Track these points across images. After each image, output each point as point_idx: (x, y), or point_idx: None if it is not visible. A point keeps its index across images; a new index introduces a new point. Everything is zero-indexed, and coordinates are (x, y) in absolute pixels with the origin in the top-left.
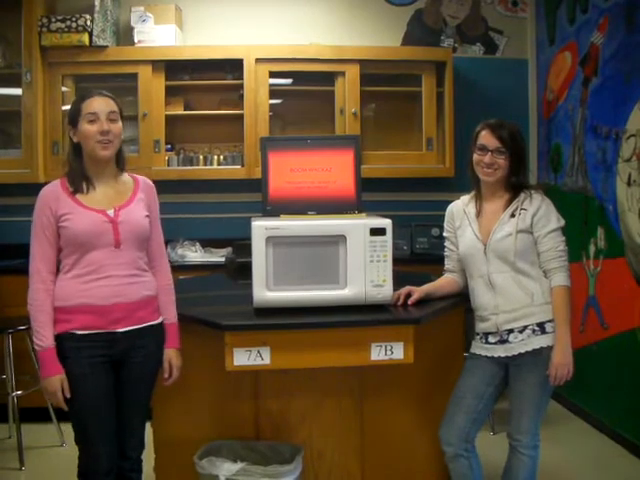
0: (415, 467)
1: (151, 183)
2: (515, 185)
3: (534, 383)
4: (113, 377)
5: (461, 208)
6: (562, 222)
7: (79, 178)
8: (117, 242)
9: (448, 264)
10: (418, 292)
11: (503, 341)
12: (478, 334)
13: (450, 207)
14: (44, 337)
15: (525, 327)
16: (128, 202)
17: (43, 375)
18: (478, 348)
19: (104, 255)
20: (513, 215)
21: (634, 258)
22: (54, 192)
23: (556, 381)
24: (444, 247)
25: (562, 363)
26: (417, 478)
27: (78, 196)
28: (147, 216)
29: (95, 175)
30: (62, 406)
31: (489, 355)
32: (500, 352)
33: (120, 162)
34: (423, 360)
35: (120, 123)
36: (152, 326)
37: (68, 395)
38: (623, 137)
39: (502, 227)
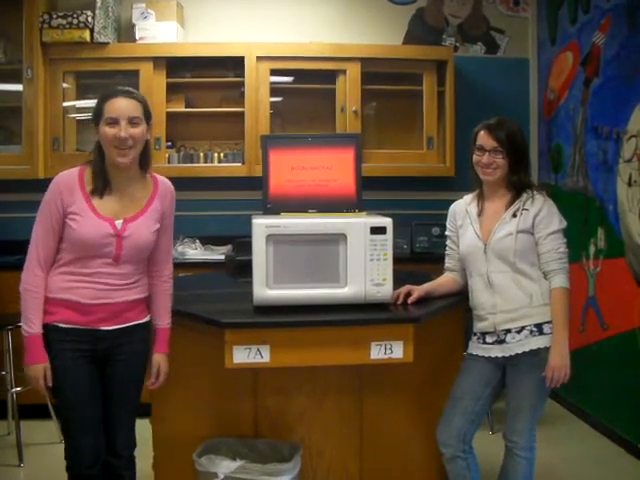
0: (413, 466)
1: (171, 187)
2: (516, 184)
3: (531, 384)
4: (97, 372)
5: (463, 207)
6: (564, 224)
7: (99, 178)
8: (117, 257)
9: (449, 263)
10: (418, 291)
11: (500, 341)
12: (475, 334)
13: (453, 206)
14: (33, 324)
15: (523, 328)
16: (140, 213)
17: (27, 362)
18: (475, 348)
19: (101, 265)
20: (515, 215)
21: (634, 259)
22: (70, 183)
23: (552, 383)
24: (446, 245)
25: (559, 366)
26: (415, 477)
27: (92, 197)
28: (157, 230)
29: (115, 176)
30: (44, 394)
31: (486, 355)
32: (497, 352)
33: (144, 163)
34: (423, 359)
35: (142, 126)
36: (138, 325)
37: (50, 384)
38: (624, 138)
39: (503, 227)
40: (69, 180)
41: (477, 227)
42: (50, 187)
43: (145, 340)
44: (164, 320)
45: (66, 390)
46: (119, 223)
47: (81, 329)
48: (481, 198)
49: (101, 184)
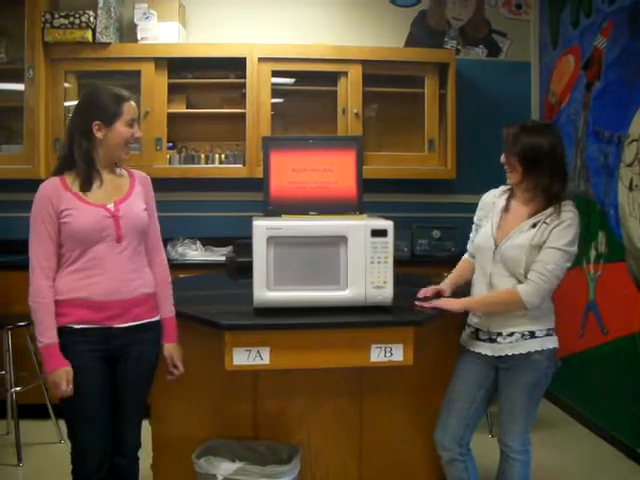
0: (413, 468)
1: (147, 176)
2: (546, 192)
3: (523, 387)
4: (109, 373)
5: (491, 199)
6: (571, 249)
7: (94, 175)
8: (119, 237)
9: (470, 249)
10: (447, 291)
11: (492, 340)
12: (469, 326)
13: (485, 195)
14: (49, 332)
15: (513, 332)
16: (127, 196)
17: (50, 369)
18: (468, 343)
19: (106, 250)
20: (534, 226)
21: (635, 263)
22: (54, 188)
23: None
24: (471, 230)
25: (451, 304)
26: (414, 478)
27: (78, 191)
28: (145, 209)
29: (102, 172)
30: (66, 395)
31: (477, 351)
32: (487, 351)
33: None
34: (422, 361)
35: None
36: (150, 323)
37: (71, 387)
38: (625, 142)
39: (518, 235)
40: (53, 186)
41: (495, 225)
42: (36, 198)
43: (156, 340)
44: (167, 309)
45: (78, 393)
46: (111, 206)
47: (94, 328)
48: (512, 194)
49: (97, 179)
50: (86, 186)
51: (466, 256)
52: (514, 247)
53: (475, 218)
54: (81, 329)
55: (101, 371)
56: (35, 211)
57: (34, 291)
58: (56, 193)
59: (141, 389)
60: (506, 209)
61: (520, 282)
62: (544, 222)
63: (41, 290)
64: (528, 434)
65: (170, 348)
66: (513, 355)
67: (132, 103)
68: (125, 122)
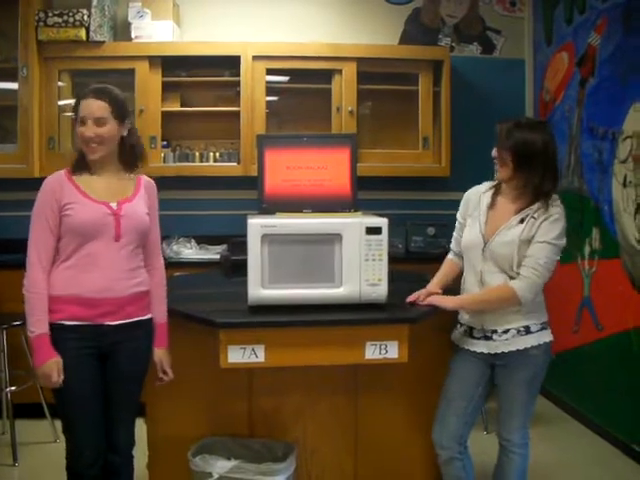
0: (408, 465)
1: (153, 182)
2: (535, 190)
3: (521, 382)
4: (100, 370)
5: (477, 196)
6: (561, 242)
7: (83, 165)
8: (117, 235)
9: (455, 247)
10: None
11: (487, 338)
12: (462, 325)
13: (468, 193)
14: (40, 323)
15: (508, 329)
16: (131, 197)
17: (39, 361)
18: (462, 341)
19: (103, 247)
20: (522, 221)
21: (629, 259)
22: (59, 181)
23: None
24: (455, 227)
25: (446, 302)
26: (409, 476)
27: (82, 187)
28: (147, 213)
29: (96, 167)
30: (57, 386)
31: (472, 349)
32: (483, 348)
33: (128, 162)
34: (417, 359)
35: (109, 126)
36: (140, 321)
37: (62, 377)
38: (619, 138)
39: (507, 232)
40: (57, 179)
41: (483, 222)
42: (41, 190)
43: (147, 338)
44: (160, 314)
45: (70, 388)
46: (114, 205)
47: (85, 325)
48: (497, 191)
49: (82, 164)
50: (75, 168)
51: (450, 256)
52: (504, 244)
53: (458, 215)
54: (73, 326)
55: (92, 367)
56: (38, 204)
57: (30, 282)
58: (60, 187)
59: (132, 386)
60: (492, 206)
61: (511, 278)
62: (532, 217)
63: (37, 282)
64: (527, 428)
65: (160, 353)
66: (510, 352)
67: (87, 101)
68: (79, 120)
